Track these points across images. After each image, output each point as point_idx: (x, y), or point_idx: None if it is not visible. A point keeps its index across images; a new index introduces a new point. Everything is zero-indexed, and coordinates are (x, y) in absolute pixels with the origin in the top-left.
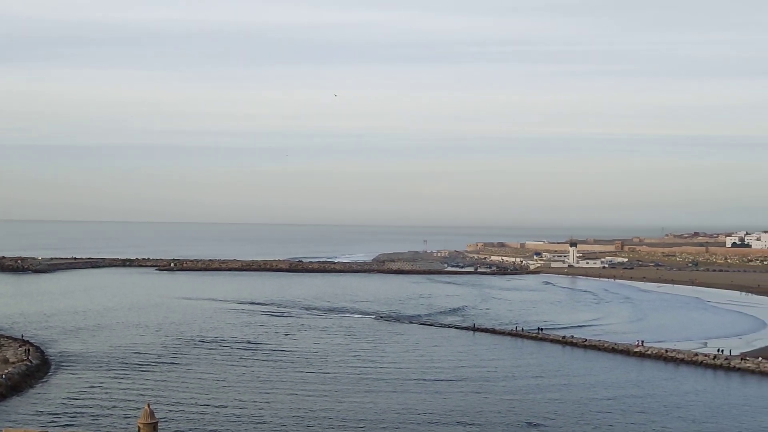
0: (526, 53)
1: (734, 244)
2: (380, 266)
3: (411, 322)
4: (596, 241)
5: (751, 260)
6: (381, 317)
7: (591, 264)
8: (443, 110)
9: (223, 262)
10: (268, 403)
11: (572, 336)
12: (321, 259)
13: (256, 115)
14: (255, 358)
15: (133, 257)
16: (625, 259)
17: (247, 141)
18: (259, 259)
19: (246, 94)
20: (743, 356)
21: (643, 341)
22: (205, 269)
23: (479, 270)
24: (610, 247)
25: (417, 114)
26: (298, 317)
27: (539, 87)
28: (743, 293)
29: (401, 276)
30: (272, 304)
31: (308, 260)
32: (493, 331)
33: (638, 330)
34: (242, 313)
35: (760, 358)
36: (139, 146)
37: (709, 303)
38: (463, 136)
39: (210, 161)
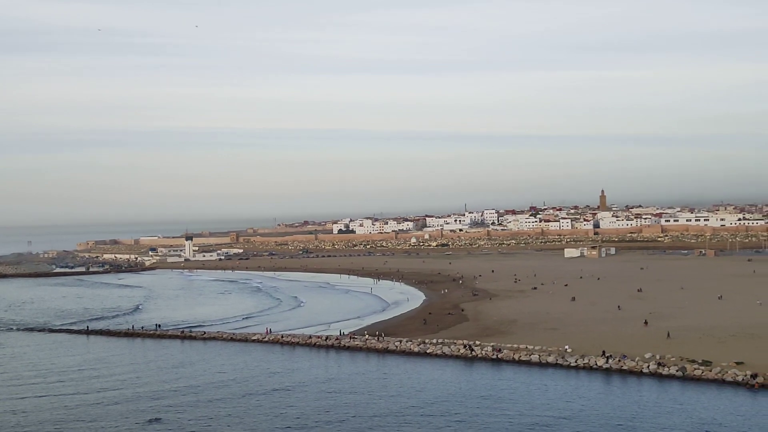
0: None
1: (340, 231)
2: None
3: (18, 329)
4: (212, 234)
5: (355, 245)
6: None
7: (208, 257)
8: (45, 102)
9: None
10: None
11: (191, 330)
12: None
13: None
14: None
15: None
16: (241, 250)
17: None
18: None
19: None
20: (351, 335)
21: (270, 329)
22: None
23: (91, 269)
24: (226, 239)
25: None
26: None
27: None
28: (350, 276)
29: (4, 281)
30: None
31: None
32: (108, 333)
33: (268, 319)
34: None
35: (366, 335)
36: None
37: (336, 288)
38: (65, 131)
39: None
